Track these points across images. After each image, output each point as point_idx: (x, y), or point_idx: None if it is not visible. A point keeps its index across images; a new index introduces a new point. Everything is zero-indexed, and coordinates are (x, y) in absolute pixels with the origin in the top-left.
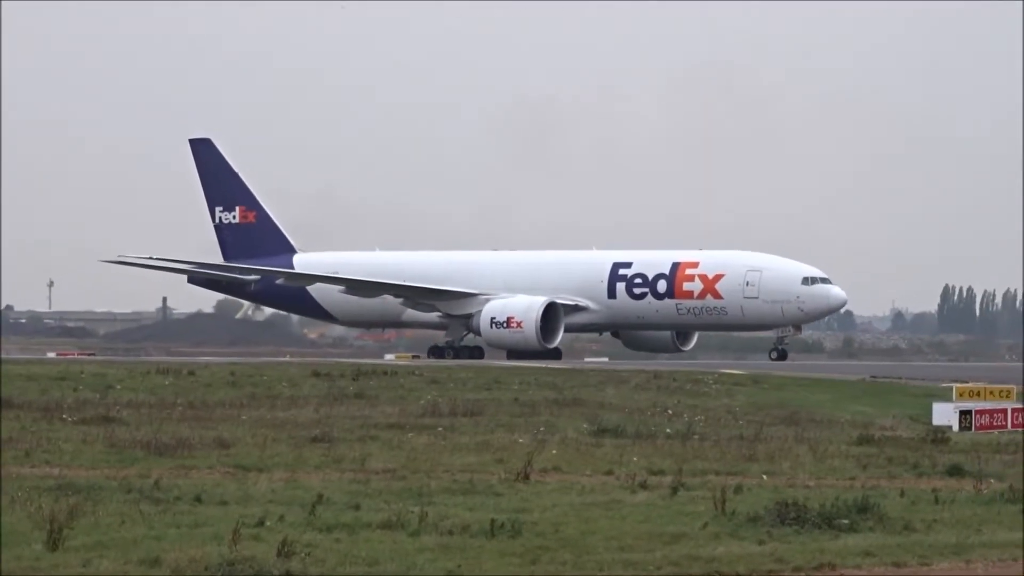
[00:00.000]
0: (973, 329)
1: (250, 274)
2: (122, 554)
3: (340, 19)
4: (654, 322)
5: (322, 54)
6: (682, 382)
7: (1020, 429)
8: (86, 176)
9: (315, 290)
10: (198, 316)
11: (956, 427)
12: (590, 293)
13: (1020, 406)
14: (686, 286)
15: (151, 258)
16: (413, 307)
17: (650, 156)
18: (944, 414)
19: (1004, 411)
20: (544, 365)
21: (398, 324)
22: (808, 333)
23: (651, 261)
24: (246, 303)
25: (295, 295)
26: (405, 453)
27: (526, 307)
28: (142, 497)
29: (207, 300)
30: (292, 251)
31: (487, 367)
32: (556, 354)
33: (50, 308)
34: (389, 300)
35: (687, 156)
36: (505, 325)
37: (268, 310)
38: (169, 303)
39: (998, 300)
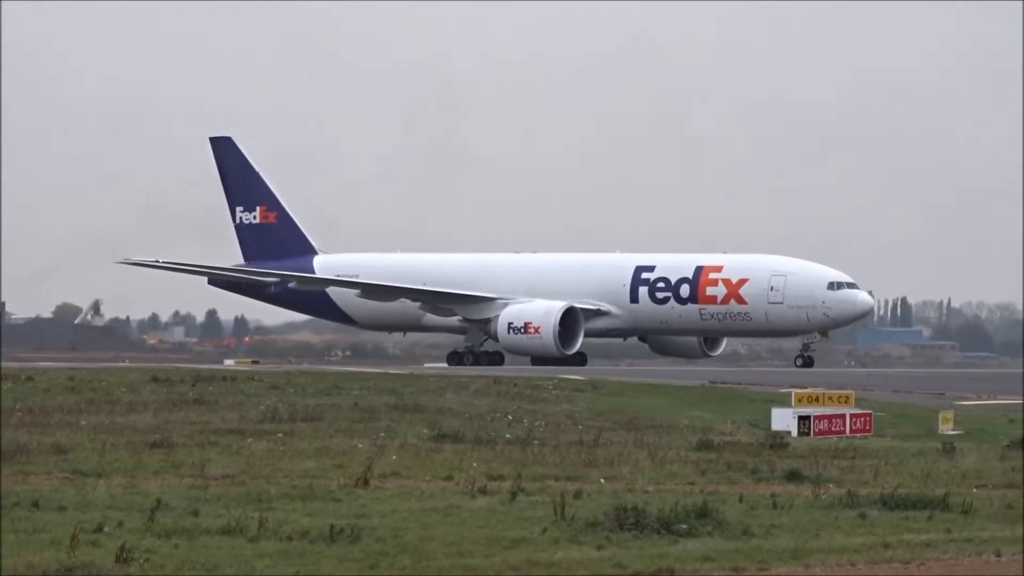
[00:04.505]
0: None
1: (267, 277)
2: None
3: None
4: (677, 327)
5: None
6: (522, 388)
7: (858, 435)
8: (98, 176)
9: (335, 293)
10: (37, 321)
11: (795, 432)
12: (612, 297)
13: (858, 411)
14: (709, 291)
15: (157, 261)
16: (432, 311)
17: (563, 155)
18: (783, 420)
19: (842, 416)
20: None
21: (419, 328)
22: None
23: (674, 265)
24: (84, 308)
25: (315, 298)
26: (244, 459)
27: (544, 312)
28: None
29: (46, 305)
30: (313, 252)
31: (325, 372)
32: (580, 359)
33: None
34: (408, 304)
35: (603, 155)
36: (523, 331)
37: (107, 315)
38: (8, 308)
39: None
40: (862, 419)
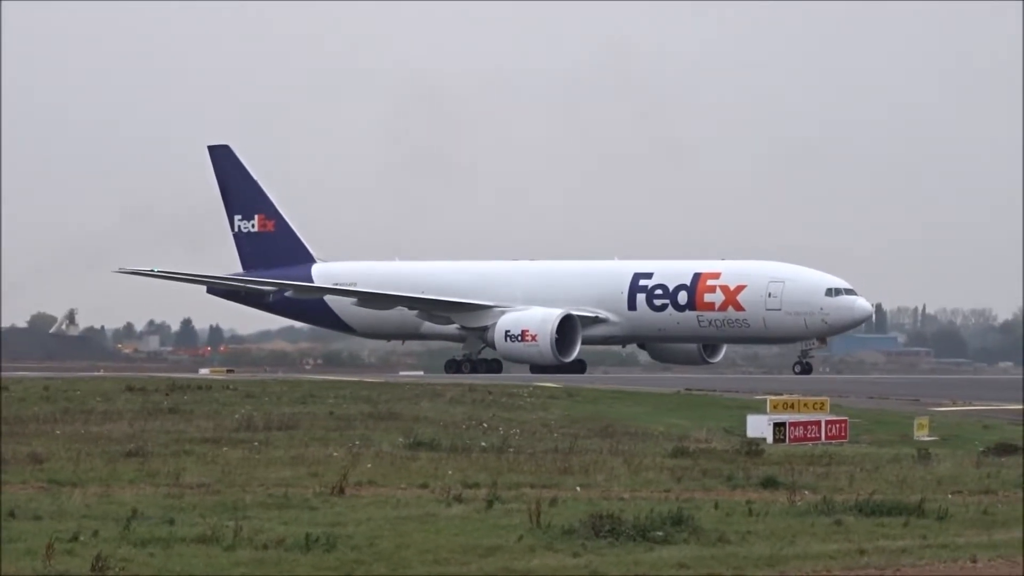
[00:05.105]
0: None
1: (263, 286)
2: None
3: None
4: (675, 334)
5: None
6: (497, 395)
7: (833, 441)
8: (97, 180)
9: (332, 301)
10: (11, 331)
11: (770, 439)
12: (610, 304)
13: (833, 418)
14: (707, 297)
15: (151, 271)
16: (429, 319)
17: (561, 160)
18: (758, 426)
19: (818, 423)
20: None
21: (417, 336)
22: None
23: (672, 271)
24: (59, 318)
25: (313, 307)
26: (220, 467)
27: (541, 320)
28: None
29: (21, 315)
30: (311, 260)
31: (300, 381)
32: (579, 367)
33: None
34: (406, 312)
35: (601, 160)
36: (520, 338)
37: (82, 325)
38: None
39: None
40: (837, 425)
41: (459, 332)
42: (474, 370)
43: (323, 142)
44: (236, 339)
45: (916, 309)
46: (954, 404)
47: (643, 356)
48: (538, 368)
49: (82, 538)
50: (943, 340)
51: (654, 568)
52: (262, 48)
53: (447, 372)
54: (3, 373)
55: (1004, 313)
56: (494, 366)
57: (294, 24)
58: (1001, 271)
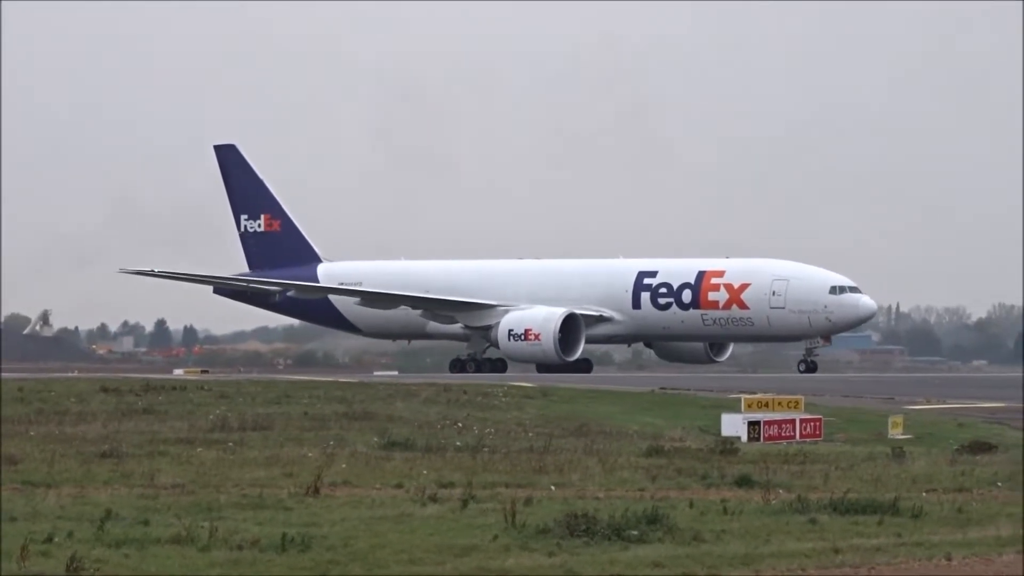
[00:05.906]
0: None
1: (268, 286)
2: None
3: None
4: (679, 333)
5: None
6: (472, 395)
7: (808, 439)
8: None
9: (337, 301)
10: None
11: (745, 438)
12: (615, 303)
13: (808, 416)
14: (711, 296)
15: (152, 270)
16: (433, 319)
17: (561, 160)
18: (733, 425)
19: (792, 422)
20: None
21: (423, 336)
22: (597, 346)
23: (676, 270)
24: (33, 319)
25: (319, 306)
26: (194, 468)
27: (544, 319)
28: None
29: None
30: (317, 260)
31: (274, 381)
32: (584, 366)
33: None
34: (410, 312)
35: (601, 159)
36: (523, 338)
37: (56, 326)
38: None
39: None
40: (812, 424)
41: (463, 331)
42: (478, 369)
43: (323, 142)
44: (210, 340)
45: (890, 307)
46: (928, 402)
47: (617, 355)
48: (543, 367)
49: (57, 539)
50: (917, 338)
51: (629, 567)
52: (262, 48)
53: (452, 372)
54: None
55: (978, 311)
56: (499, 365)
57: (294, 24)
58: (978, 269)
